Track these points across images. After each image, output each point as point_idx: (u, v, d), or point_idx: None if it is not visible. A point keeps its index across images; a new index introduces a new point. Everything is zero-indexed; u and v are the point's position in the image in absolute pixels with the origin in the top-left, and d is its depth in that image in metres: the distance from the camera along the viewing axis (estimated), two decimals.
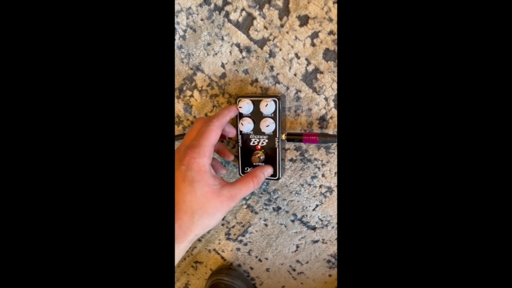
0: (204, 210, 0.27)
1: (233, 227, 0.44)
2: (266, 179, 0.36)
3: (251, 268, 0.45)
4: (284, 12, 0.33)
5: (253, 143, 0.35)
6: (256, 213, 0.42)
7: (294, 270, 0.43)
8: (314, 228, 0.40)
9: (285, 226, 0.41)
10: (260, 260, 0.45)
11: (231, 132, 0.35)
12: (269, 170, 0.34)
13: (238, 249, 0.45)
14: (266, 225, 0.42)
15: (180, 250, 0.27)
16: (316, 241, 0.41)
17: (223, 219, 0.44)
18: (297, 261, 0.43)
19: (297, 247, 0.42)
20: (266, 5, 0.33)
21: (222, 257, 0.46)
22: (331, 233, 0.40)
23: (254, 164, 0.35)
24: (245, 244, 0.44)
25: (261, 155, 0.35)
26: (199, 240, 0.46)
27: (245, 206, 0.42)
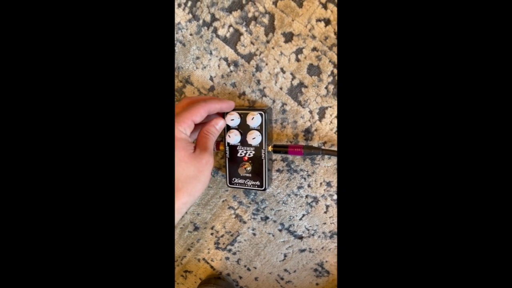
0: (185, 175, 0.27)
1: (222, 236, 0.44)
2: (253, 189, 0.36)
3: (240, 277, 0.46)
4: (270, 29, 0.34)
5: (240, 154, 0.36)
6: (245, 222, 0.42)
7: (282, 279, 0.44)
8: (301, 238, 0.41)
9: (273, 235, 0.42)
10: (248, 269, 0.45)
11: (217, 124, 0.33)
12: (219, 122, 0.33)
13: (227, 258, 0.45)
14: (254, 234, 0.43)
15: None
16: (303, 250, 0.41)
17: (212, 228, 0.44)
18: (285, 270, 0.43)
19: (285, 256, 0.43)
20: (253, 22, 0.34)
21: (212, 266, 0.47)
22: (318, 242, 0.40)
23: (241, 175, 0.36)
24: (234, 253, 0.45)
25: (248, 166, 0.35)
26: (188, 249, 0.47)
27: (233, 216, 0.43)
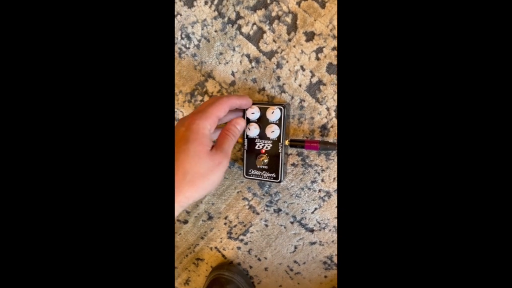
0: (196, 170, 0.27)
1: (235, 226, 0.46)
2: (269, 181, 0.38)
3: (250, 267, 0.48)
4: (292, 28, 0.36)
5: (258, 147, 0.37)
6: (258, 214, 0.44)
7: (291, 270, 0.45)
8: (312, 230, 0.42)
9: (285, 227, 0.43)
10: (259, 259, 0.47)
11: (239, 124, 0.34)
12: (240, 122, 0.34)
13: (239, 248, 0.47)
14: (266, 225, 0.44)
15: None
16: (314, 243, 0.43)
17: (225, 218, 0.46)
18: (295, 261, 0.45)
19: (295, 248, 0.44)
20: (276, 21, 0.36)
21: (223, 255, 0.48)
22: (328, 236, 0.42)
23: (258, 166, 0.38)
24: (246, 243, 0.46)
25: (265, 158, 0.37)
26: (201, 238, 0.49)
27: (247, 207, 0.44)
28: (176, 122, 0.34)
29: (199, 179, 0.27)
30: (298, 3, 0.35)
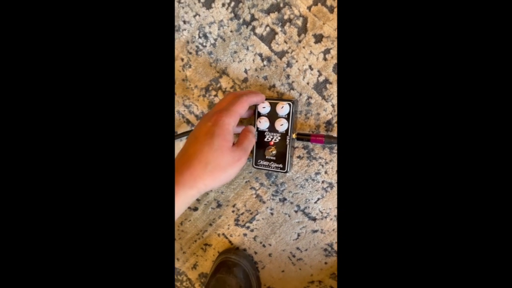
0: (217, 162, 0.29)
1: (242, 214, 0.49)
2: (276, 171, 0.41)
3: (255, 253, 0.51)
4: (302, 30, 0.39)
5: (267, 139, 0.41)
6: (264, 202, 0.47)
7: (294, 256, 0.49)
8: (314, 219, 0.45)
9: (289, 216, 0.47)
10: (264, 246, 0.50)
11: (246, 114, 0.37)
12: (252, 129, 0.37)
13: (245, 235, 0.50)
14: (272, 214, 0.47)
15: (188, 196, 0.28)
16: (316, 231, 0.46)
17: (233, 206, 0.49)
18: (297, 248, 0.48)
19: (298, 235, 0.47)
20: (288, 23, 0.39)
21: (230, 241, 0.52)
22: (329, 224, 0.45)
23: (266, 157, 0.41)
24: (252, 230, 0.50)
25: (273, 150, 0.40)
26: (210, 224, 0.52)
27: (254, 196, 0.47)
28: (202, 117, 0.36)
29: (219, 171, 0.29)
30: (309, 8, 0.38)
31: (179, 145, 0.50)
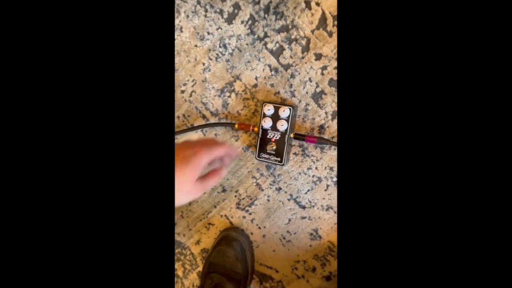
0: (178, 187, 0.31)
1: (243, 199, 0.57)
2: (275, 164, 0.49)
3: (252, 233, 0.59)
4: (306, 48, 0.47)
5: (269, 136, 0.49)
6: (262, 190, 0.56)
7: (284, 238, 0.57)
8: (304, 207, 0.54)
9: (282, 203, 0.55)
10: (259, 228, 0.58)
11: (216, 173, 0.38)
12: (222, 174, 0.39)
13: (244, 217, 0.58)
14: (268, 200, 0.56)
15: None
16: (304, 218, 0.54)
17: (236, 192, 0.57)
18: (288, 231, 0.56)
19: (289, 220, 0.55)
20: (294, 42, 0.47)
21: (231, 222, 0.60)
22: (316, 213, 0.53)
23: (267, 151, 0.49)
24: (250, 214, 0.58)
25: (274, 145, 0.48)
26: (214, 206, 0.60)
27: (254, 184, 0.56)
28: (181, 141, 0.38)
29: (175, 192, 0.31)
30: (312, 31, 0.46)
31: (194, 136, 0.58)
